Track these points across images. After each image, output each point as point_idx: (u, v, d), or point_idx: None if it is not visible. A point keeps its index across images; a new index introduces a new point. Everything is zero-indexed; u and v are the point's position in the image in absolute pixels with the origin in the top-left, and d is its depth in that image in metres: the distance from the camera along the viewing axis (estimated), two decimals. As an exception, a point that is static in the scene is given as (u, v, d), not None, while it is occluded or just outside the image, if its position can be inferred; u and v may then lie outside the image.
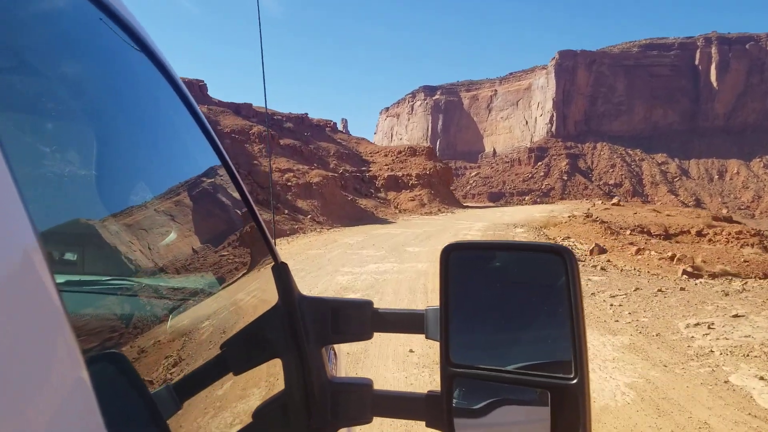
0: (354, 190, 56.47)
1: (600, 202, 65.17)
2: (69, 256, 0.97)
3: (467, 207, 71.67)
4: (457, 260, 1.36)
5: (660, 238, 37.65)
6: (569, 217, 42.03)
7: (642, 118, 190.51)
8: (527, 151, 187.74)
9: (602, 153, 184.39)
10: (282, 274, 1.48)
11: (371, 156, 77.12)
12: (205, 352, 1.18)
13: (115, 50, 1.13)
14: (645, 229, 41.11)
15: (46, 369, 0.46)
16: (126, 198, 1.19)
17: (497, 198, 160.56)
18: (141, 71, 1.22)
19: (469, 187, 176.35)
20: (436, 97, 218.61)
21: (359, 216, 44.44)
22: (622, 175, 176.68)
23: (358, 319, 1.49)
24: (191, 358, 1.10)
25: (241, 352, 1.33)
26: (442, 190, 67.25)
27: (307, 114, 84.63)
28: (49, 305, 0.48)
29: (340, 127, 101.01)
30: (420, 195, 62.17)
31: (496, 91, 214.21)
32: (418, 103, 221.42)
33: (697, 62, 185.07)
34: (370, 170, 67.77)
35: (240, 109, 68.53)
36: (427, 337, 1.41)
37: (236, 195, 1.51)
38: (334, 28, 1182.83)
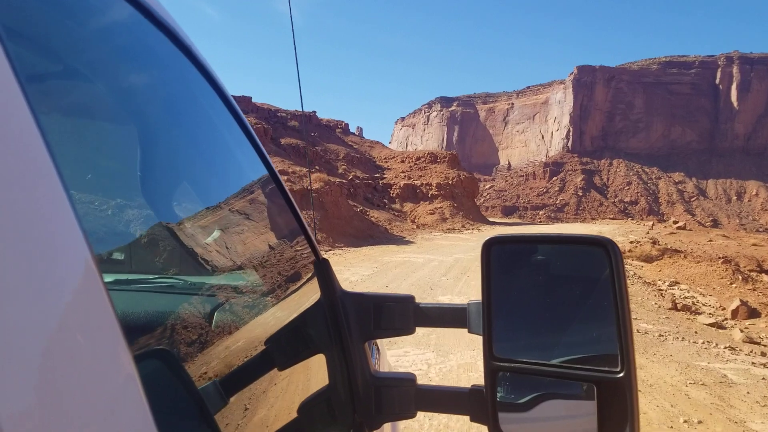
0: (365, 200, 46.57)
1: (651, 223, 54.73)
2: (117, 255, 0.97)
3: (494, 223, 60.93)
4: (499, 254, 1.32)
5: (757, 274, 27.22)
6: (631, 243, 31.81)
7: (660, 136, 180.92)
8: (542, 165, 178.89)
9: (618, 170, 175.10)
10: (323, 271, 1.46)
11: (386, 162, 66.95)
12: (250, 349, 1.18)
13: (170, 63, 1.13)
14: (733, 262, 30.85)
15: (97, 366, 0.46)
16: (168, 194, 1.20)
17: (511, 212, 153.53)
18: (192, 83, 1.22)
19: (483, 200, 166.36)
20: (453, 108, 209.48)
21: (369, 232, 34.37)
22: (638, 192, 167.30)
23: (400, 314, 1.45)
24: (237, 355, 1.10)
25: (285, 348, 1.32)
26: (467, 204, 56.89)
27: (315, 112, 74.24)
28: (98, 304, 0.48)
29: (353, 130, 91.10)
30: (441, 208, 52.05)
31: (512, 104, 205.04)
32: (434, 113, 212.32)
33: (717, 81, 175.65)
34: (385, 177, 57.67)
35: (237, 103, 58.68)
36: (469, 332, 1.37)
37: (281, 200, 1.51)
38: (351, 36, 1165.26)
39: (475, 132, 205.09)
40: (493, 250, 1.31)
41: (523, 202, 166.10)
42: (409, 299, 1.46)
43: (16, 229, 0.42)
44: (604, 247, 1.18)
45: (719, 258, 31.16)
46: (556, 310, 1.29)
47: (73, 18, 0.79)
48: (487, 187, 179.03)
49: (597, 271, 1.20)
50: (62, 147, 0.62)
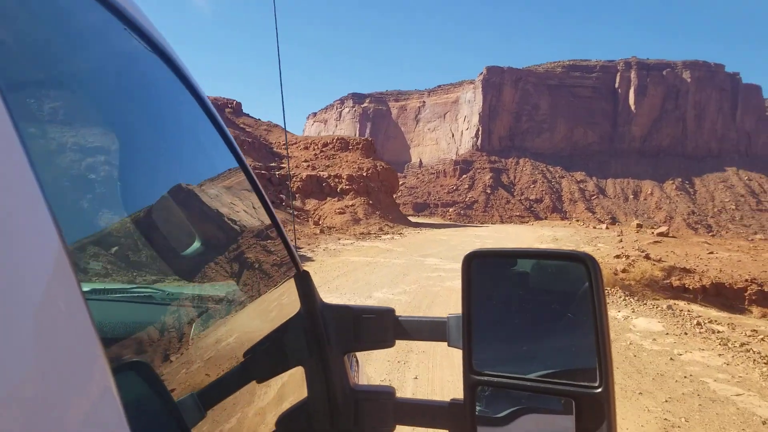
0: (253, 195, 33.41)
1: (604, 226, 44.58)
2: (95, 264, 0.92)
3: (418, 225, 48.91)
4: (479, 267, 1.28)
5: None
6: (618, 258, 21.15)
7: (563, 137, 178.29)
8: (453, 163, 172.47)
9: (524, 169, 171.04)
10: (304, 283, 1.40)
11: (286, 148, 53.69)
12: (228, 360, 1.12)
13: (134, 56, 1.05)
14: (761, 284, 20.71)
15: (73, 378, 0.43)
16: (147, 203, 1.13)
17: (422, 209, 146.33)
18: (160, 77, 1.13)
19: (395, 197, 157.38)
20: (365, 105, 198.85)
21: (245, 243, 21.52)
22: (542, 191, 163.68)
23: (380, 327, 1.41)
24: (215, 366, 1.05)
25: (264, 359, 1.27)
26: (385, 201, 44.89)
27: (196, 85, 59.22)
28: (76, 314, 0.45)
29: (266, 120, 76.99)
30: (353, 206, 39.87)
31: (424, 102, 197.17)
32: (347, 109, 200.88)
33: (617, 85, 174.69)
34: (283, 167, 44.52)
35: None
36: (449, 345, 1.33)
37: (256, 200, 1.42)
38: (260, 26, 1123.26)
39: (387, 129, 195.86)
40: (473, 264, 1.27)
41: (434, 199, 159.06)
42: (389, 312, 1.41)
43: None
44: (583, 262, 1.15)
45: (750, 281, 20.55)
46: (535, 324, 1.27)
47: (35, 12, 0.71)
48: (399, 184, 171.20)
49: (576, 285, 1.17)
50: (41, 153, 0.59)
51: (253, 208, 1.44)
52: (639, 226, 38.96)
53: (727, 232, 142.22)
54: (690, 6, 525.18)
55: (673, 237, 30.97)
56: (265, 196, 1.42)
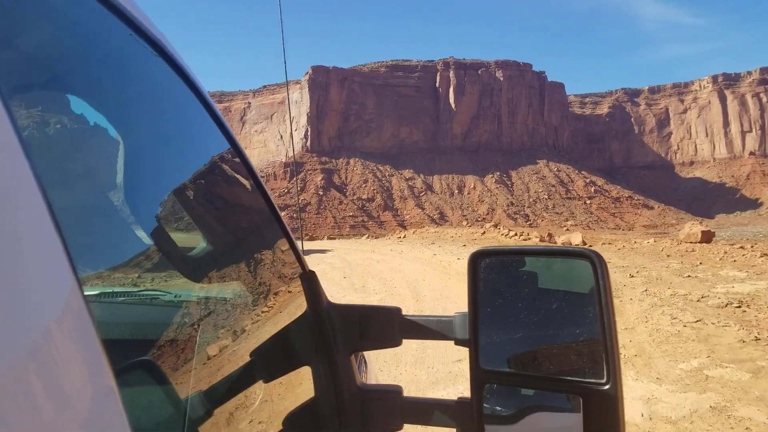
0: None
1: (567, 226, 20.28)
2: (101, 267, 0.85)
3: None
4: (486, 266, 1.23)
5: None
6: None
7: (390, 136, 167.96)
8: (283, 165, 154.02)
9: (355, 168, 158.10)
10: (310, 283, 1.34)
11: None
12: (235, 360, 1.07)
13: (129, 53, 0.95)
14: None
15: (74, 378, 0.41)
16: (152, 205, 1.06)
17: None
18: (157, 73, 1.05)
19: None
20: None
21: None
22: (374, 190, 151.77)
23: (386, 326, 1.33)
24: (222, 366, 1.00)
25: (271, 359, 1.22)
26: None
27: None
28: (76, 315, 0.43)
29: None
30: None
31: (249, 103, 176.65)
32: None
33: (437, 85, 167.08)
34: None
35: None
36: (456, 343, 1.26)
37: (268, 212, 1.36)
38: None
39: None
40: (480, 263, 1.21)
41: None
42: (396, 311, 1.34)
43: None
44: (590, 259, 1.09)
45: None
46: (542, 321, 1.19)
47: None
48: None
49: (583, 283, 1.11)
50: (42, 156, 0.56)
51: (258, 208, 1.35)
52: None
53: (542, 221, 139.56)
54: (498, 7, 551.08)
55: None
56: (272, 200, 1.34)
